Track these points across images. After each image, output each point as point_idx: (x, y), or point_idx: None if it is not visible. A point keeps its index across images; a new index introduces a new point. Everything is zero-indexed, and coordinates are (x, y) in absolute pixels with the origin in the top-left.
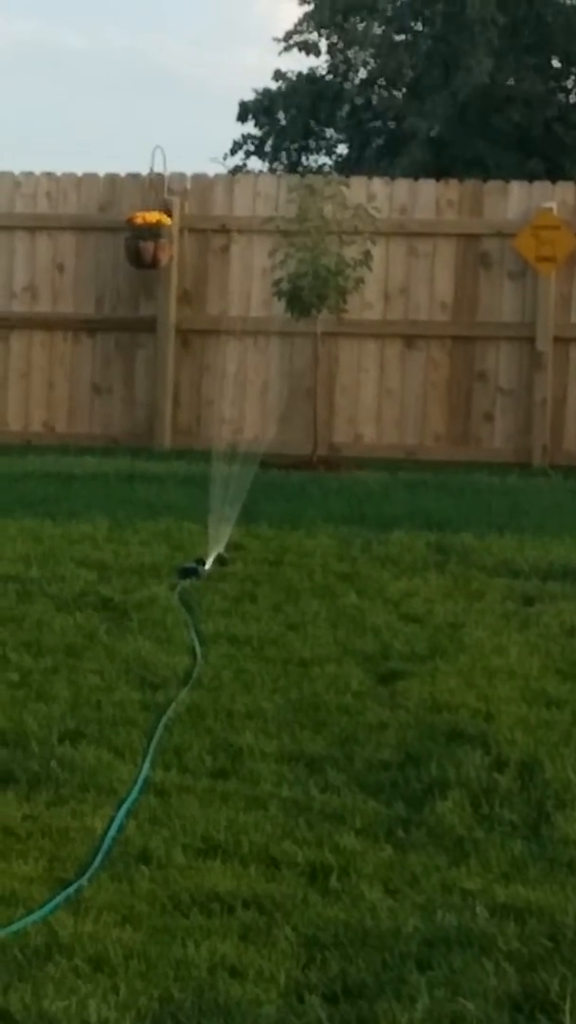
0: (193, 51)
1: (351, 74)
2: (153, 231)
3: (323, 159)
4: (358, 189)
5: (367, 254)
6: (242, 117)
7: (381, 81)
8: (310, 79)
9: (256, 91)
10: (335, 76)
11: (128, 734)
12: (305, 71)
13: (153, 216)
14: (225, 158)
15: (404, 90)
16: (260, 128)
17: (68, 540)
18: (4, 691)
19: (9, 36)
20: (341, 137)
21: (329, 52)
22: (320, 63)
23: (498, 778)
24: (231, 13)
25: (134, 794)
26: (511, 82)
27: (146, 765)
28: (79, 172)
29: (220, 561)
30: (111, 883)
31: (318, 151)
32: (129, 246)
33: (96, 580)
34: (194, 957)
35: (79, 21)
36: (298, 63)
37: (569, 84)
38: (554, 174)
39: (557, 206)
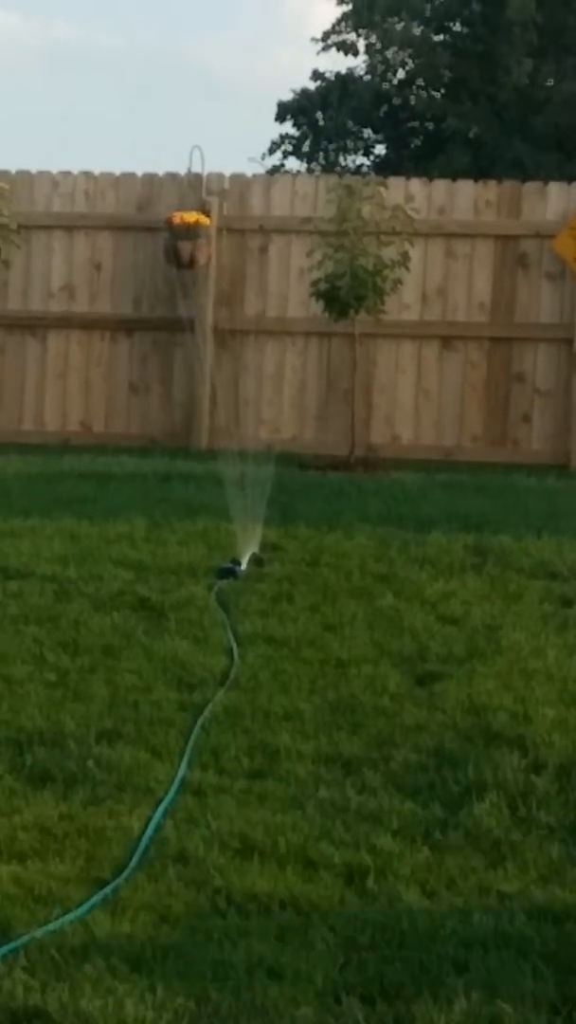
0: (231, 51)
1: (389, 74)
2: (191, 231)
3: (361, 159)
4: (396, 190)
5: (405, 255)
6: (280, 117)
7: (419, 81)
8: (348, 79)
9: (294, 91)
10: (374, 76)
11: (165, 734)
12: (343, 71)
13: (191, 216)
14: (263, 158)
15: (443, 91)
16: (298, 128)
17: (105, 540)
18: (42, 691)
19: (47, 37)
20: (379, 138)
21: (367, 52)
22: (358, 63)
23: (535, 780)
24: (267, 13)
25: (171, 794)
26: (550, 83)
27: (183, 765)
28: (117, 172)
29: (257, 562)
30: (148, 883)
31: (356, 151)
32: (167, 246)
33: (133, 580)
34: (231, 957)
35: (115, 22)
36: (337, 63)
37: None
38: None
39: None
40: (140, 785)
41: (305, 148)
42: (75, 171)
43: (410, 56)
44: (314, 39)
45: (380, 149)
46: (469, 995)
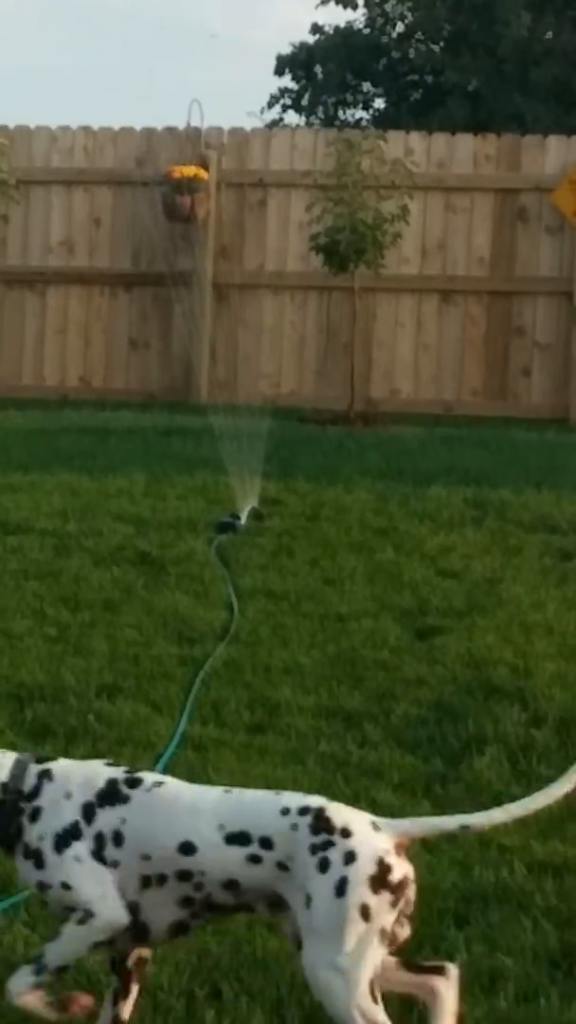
0: (230, 5)
1: (389, 28)
2: (190, 185)
3: (360, 113)
4: (396, 143)
5: (404, 209)
6: (279, 71)
7: (419, 35)
8: (347, 33)
9: (293, 45)
10: (373, 30)
11: (165, 688)
12: (342, 25)
13: (190, 170)
14: (262, 112)
15: (442, 44)
16: (297, 82)
17: (105, 495)
18: (42, 646)
19: None
20: (378, 91)
21: (366, 6)
22: (358, 17)
23: (535, 734)
24: None
25: (172, 748)
26: (549, 36)
27: (184, 719)
28: (116, 126)
29: (257, 516)
30: None
31: (355, 105)
32: (166, 200)
33: (133, 535)
34: None
35: None
36: (336, 17)
37: None
38: None
39: None
40: (141, 739)
41: (304, 102)
42: (74, 126)
43: (409, 9)
44: None
45: (379, 103)
46: (470, 949)
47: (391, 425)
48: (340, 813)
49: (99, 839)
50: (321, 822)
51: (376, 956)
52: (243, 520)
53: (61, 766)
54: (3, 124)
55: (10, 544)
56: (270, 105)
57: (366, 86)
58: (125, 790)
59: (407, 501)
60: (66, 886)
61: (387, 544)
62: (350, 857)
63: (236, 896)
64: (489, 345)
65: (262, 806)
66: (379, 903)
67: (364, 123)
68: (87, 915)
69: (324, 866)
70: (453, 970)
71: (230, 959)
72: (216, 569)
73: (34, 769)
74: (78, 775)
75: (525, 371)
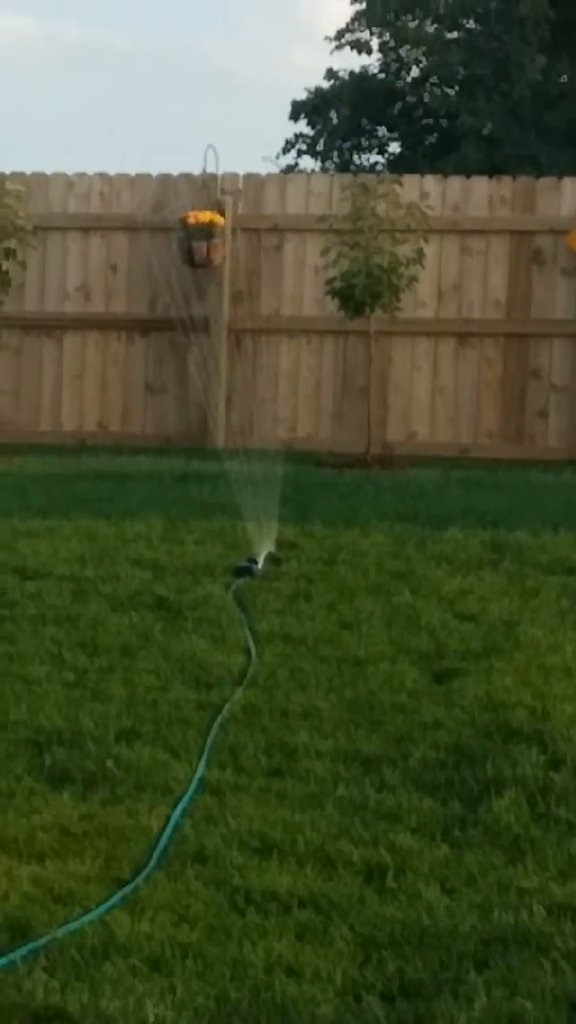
0: (245, 51)
1: (403, 72)
2: (206, 230)
3: (375, 157)
4: (411, 187)
5: (420, 252)
6: (294, 116)
7: (433, 79)
8: (362, 77)
9: (308, 90)
10: (387, 74)
11: (183, 733)
12: (357, 69)
13: (206, 215)
14: (277, 157)
15: (456, 88)
16: (312, 127)
17: (123, 539)
18: (60, 691)
19: (60, 40)
20: (393, 135)
21: (381, 50)
22: (372, 61)
23: (554, 776)
24: (280, 13)
25: (190, 793)
26: (564, 79)
27: (201, 764)
28: (132, 172)
29: (274, 560)
30: (167, 882)
31: (370, 149)
32: (182, 246)
33: (151, 579)
34: (251, 956)
35: (127, 24)
36: (350, 62)
37: None
38: None
39: None
40: (159, 784)
41: (319, 147)
42: (90, 172)
43: (424, 54)
44: (328, 38)
45: (394, 147)
46: (489, 992)
47: (408, 468)
48: None
49: None
50: None
51: None
52: (260, 565)
53: None
54: (20, 171)
55: (28, 590)
56: (285, 150)
57: (381, 130)
58: None
59: (424, 544)
60: None
61: (404, 587)
62: None
63: None
64: (505, 387)
65: None
66: None
67: (379, 167)
68: None
69: None
70: None
71: (249, 1004)
72: (233, 613)
73: None
74: None
75: (541, 413)
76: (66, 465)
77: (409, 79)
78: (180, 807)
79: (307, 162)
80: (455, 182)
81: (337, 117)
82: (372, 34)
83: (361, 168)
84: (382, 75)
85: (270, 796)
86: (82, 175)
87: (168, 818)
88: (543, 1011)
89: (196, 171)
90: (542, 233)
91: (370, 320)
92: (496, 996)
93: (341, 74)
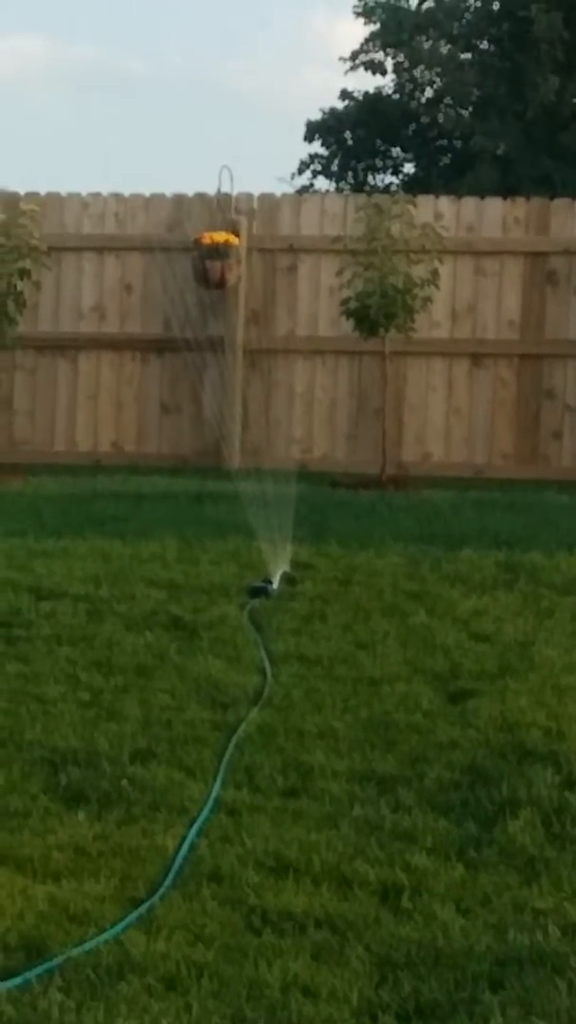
0: (259, 72)
1: (417, 93)
2: (221, 251)
3: (390, 178)
4: (425, 208)
5: (434, 273)
6: (309, 137)
7: (447, 100)
8: (376, 98)
9: (323, 110)
10: (401, 95)
11: (199, 753)
12: (371, 90)
13: (221, 236)
14: (292, 178)
15: (470, 109)
16: (327, 147)
17: (138, 560)
18: (75, 710)
19: (72, 61)
20: (408, 156)
21: (395, 71)
22: (386, 82)
23: (569, 797)
24: (294, 34)
25: (205, 813)
26: None
27: (217, 784)
28: (146, 193)
29: (290, 581)
30: (183, 902)
31: (385, 170)
32: (196, 266)
33: (166, 599)
34: (266, 976)
35: (141, 45)
36: (364, 82)
37: None
38: None
39: None
40: (174, 804)
41: (334, 167)
42: (105, 193)
43: (438, 75)
44: (342, 59)
45: (409, 168)
46: (505, 1012)
47: (422, 489)
48: None
49: None
50: None
51: None
52: (275, 585)
53: None
54: (34, 191)
55: (43, 610)
56: (300, 171)
57: (395, 151)
58: None
59: (439, 565)
60: None
61: (419, 607)
62: None
63: None
64: (520, 408)
65: None
66: None
67: (393, 188)
68: None
69: None
70: None
71: None
72: (249, 634)
73: None
74: None
75: (556, 434)
76: (81, 485)
77: (423, 100)
78: (195, 827)
79: (321, 183)
80: (469, 203)
81: (351, 138)
82: (386, 55)
83: (375, 189)
84: (396, 96)
85: (286, 816)
86: (96, 196)
87: (183, 838)
88: None
89: (211, 192)
90: (556, 254)
91: (384, 341)
92: (511, 1016)
93: (355, 94)
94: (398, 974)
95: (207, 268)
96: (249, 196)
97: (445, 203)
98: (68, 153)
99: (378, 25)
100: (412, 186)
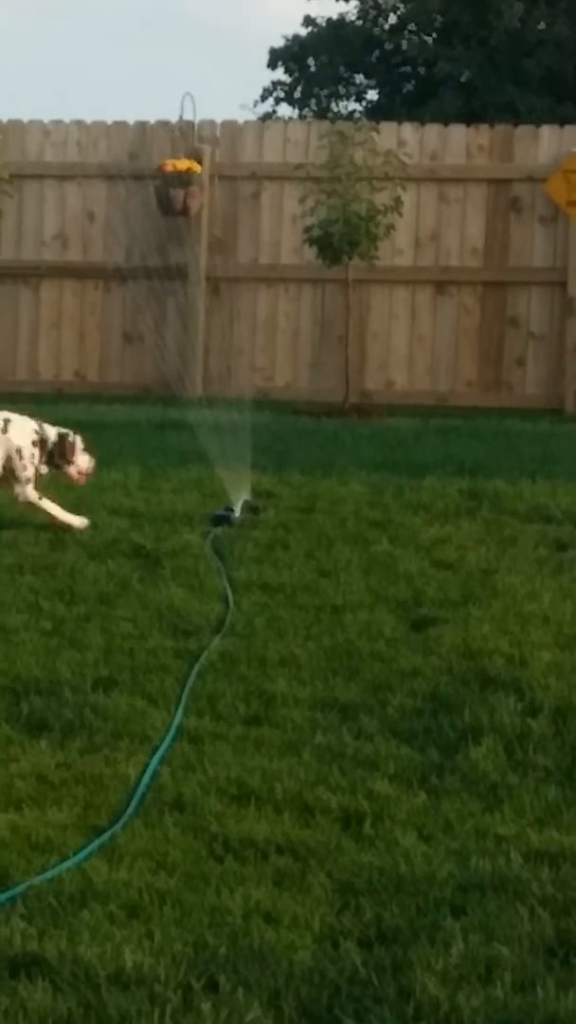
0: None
1: (381, 20)
2: (183, 179)
3: (353, 105)
4: (388, 135)
5: (398, 200)
6: (272, 64)
7: (411, 26)
8: (340, 25)
9: (286, 37)
10: (365, 22)
11: (161, 681)
12: (335, 17)
13: (183, 164)
14: (255, 105)
15: (434, 35)
16: (290, 75)
17: (100, 488)
18: (37, 639)
19: None
20: (371, 83)
21: None
22: (350, 9)
23: (531, 724)
24: None
25: (167, 741)
26: (542, 26)
27: (179, 712)
28: (109, 120)
29: (252, 509)
30: (145, 830)
31: (348, 97)
32: (159, 194)
33: (128, 528)
34: (228, 903)
35: None
36: (328, 9)
37: None
38: None
39: None
40: (136, 733)
41: (297, 95)
42: (67, 120)
43: (401, 1)
44: None
45: (372, 95)
46: (466, 938)
47: (386, 417)
48: None
49: None
50: None
51: None
52: (237, 513)
53: None
54: None
55: (5, 539)
56: (263, 98)
57: (359, 78)
58: None
59: (402, 493)
60: None
61: (382, 536)
62: None
63: None
64: (483, 336)
65: None
66: None
67: (357, 115)
68: None
69: None
70: None
71: (227, 951)
72: (211, 562)
73: None
74: None
75: (519, 362)
76: (43, 414)
77: (387, 26)
78: (158, 755)
79: (285, 110)
80: (433, 130)
81: (315, 64)
82: None
83: (339, 116)
84: (360, 22)
85: (248, 744)
86: (58, 123)
87: (146, 766)
88: (520, 956)
89: (173, 119)
90: (520, 181)
91: (348, 268)
92: (473, 942)
93: (319, 21)
94: (360, 901)
95: (170, 196)
96: (212, 123)
97: (408, 130)
98: (29, 81)
99: None
100: (375, 113)
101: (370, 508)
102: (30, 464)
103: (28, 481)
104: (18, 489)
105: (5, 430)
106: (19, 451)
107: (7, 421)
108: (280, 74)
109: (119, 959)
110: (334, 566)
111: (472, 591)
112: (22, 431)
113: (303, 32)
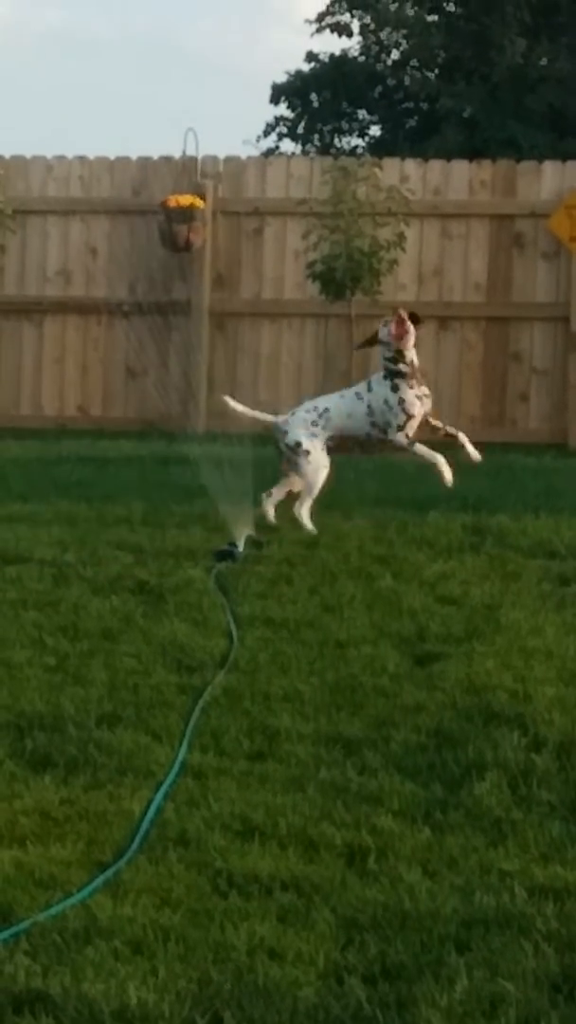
0: (224, 35)
1: (383, 55)
2: (186, 214)
3: (356, 141)
4: (391, 170)
5: (401, 235)
6: (275, 99)
7: (413, 62)
8: (342, 60)
9: (289, 73)
10: (367, 57)
11: (165, 717)
12: (337, 52)
13: (186, 199)
14: (258, 140)
15: (437, 71)
16: (293, 110)
17: (103, 524)
18: (41, 675)
19: (38, 24)
20: (374, 119)
21: (361, 33)
22: (353, 44)
23: (535, 759)
24: None
25: (172, 777)
26: (544, 62)
27: (183, 748)
28: (112, 156)
29: (256, 544)
30: (149, 866)
31: (351, 133)
32: (162, 229)
33: (132, 563)
34: (233, 939)
35: (106, 7)
36: (331, 45)
37: None
38: None
39: None
40: (141, 768)
41: (300, 130)
42: (70, 156)
43: (404, 37)
44: (308, 20)
45: (375, 130)
46: (471, 974)
47: (389, 452)
48: None
49: None
50: None
51: None
52: (241, 548)
53: None
54: None
55: (9, 574)
56: (266, 133)
57: (361, 113)
58: None
59: (405, 528)
60: None
61: (386, 571)
62: None
63: None
64: (486, 371)
65: None
66: None
67: (360, 150)
68: None
69: None
70: None
71: (232, 987)
72: (215, 597)
73: None
74: None
75: (523, 396)
76: (46, 449)
77: (389, 62)
78: (162, 791)
79: (288, 145)
80: (435, 165)
81: (317, 100)
82: (352, 16)
83: (342, 151)
84: (362, 58)
85: (252, 779)
86: (61, 159)
87: (150, 802)
88: (524, 992)
89: (176, 154)
90: (523, 216)
91: (351, 304)
92: (478, 978)
93: (321, 57)
94: (364, 936)
95: (173, 231)
96: (215, 159)
97: (411, 165)
98: (33, 117)
99: None
100: (378, 148)
101: (374, 543)
102: None
103: None
104: None
105: None
106: None
107: None
108: (283, 109)
109: (123, 996)
110: (338, 601)
111: (476, 626)
112: None
113: (306, 68)
